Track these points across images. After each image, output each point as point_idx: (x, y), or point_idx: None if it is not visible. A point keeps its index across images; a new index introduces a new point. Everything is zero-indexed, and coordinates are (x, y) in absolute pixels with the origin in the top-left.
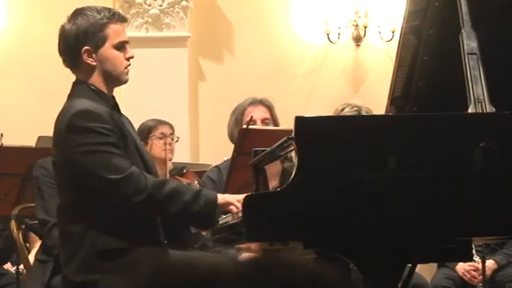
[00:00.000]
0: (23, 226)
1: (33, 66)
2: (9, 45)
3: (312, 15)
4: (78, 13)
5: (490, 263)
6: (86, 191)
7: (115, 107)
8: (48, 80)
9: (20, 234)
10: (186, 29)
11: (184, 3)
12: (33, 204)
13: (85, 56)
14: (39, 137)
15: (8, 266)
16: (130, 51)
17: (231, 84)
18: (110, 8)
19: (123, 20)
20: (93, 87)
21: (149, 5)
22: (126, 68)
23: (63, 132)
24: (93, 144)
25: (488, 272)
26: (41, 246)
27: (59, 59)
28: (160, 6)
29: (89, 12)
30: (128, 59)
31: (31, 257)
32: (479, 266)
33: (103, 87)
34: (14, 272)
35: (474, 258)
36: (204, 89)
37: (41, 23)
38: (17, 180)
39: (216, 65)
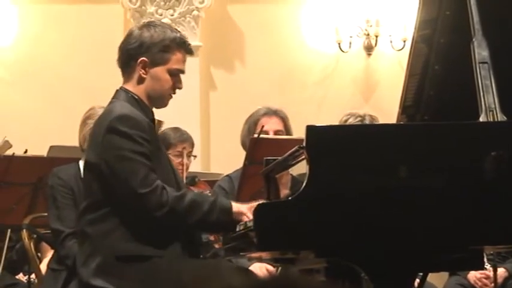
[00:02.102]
0: (35, 235)
1: (45, 76)
2: (21, 56)
3: (323, 24)
4: (153, 24)
5: (501, 271)
6: (113, 193)
7: (153, 121)
8: (59, 90)
9: (32, 244)
10: (197, 39)
11: (195, 12)
12: (44, 214)
13: (139, 66)
14: (51, 147)
15: (19, 275)
16: (182, 82)
17: (242, 93)
18: (183, 36)
19: (190, 52)
20: (136, 97)
21: (161, 15)
22: (170, 95)
23: (102, 133)
24: (128, 150)
25: (499, 280)
26: (53, 255)
27: (71, 70)
28: (172, 16)
29: (164, 29)
30: (175, 88)
31: (42, 267)
32: (491, 274)
33: (145, 100)
34: (25, 281)
35: (485, 267)
36: (216, 98)
37: (53, 34)
38: (28, 189)
39: (227, 74)
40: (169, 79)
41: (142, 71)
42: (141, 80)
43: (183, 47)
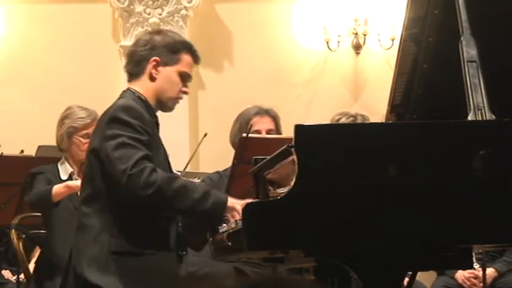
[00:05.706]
0: (23, 235)
1: (32, 75)
2: (8, 54)
3: (311, 23)
4: (166, 32)
5: (490, 271)
6: (111, 182)
7: (156, 123)
8: (47, 89)
9: (21, 244)
10: (186, 38)
11: (183, 12)
12: (33, 214)
13: (151, 65)
14: (39, 146)
15: (8, 275)
16: (189, 88)
17: (231, 93)
18: (193, 45)
19: (197, 59)
20: (142, 97)
21: (149, 14)
22: (177, 98)
23: (105, 122)
24: (127, 137)
25: (488, 280)
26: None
27: (58, 68)
28: (160, 15)
29: (174, 34)
30: (182, 92)
31: (31, 266)
32: (480, 273)
33: (151, 102)
34: (14, 281)
35: (474, 266)
36: (204, 98)
37: (40, 34)
38: (17, 189)
39: (216, 74)
40: (179, 81)
41: (154, 70)
42: (151, 79)
43: (191, 52)
